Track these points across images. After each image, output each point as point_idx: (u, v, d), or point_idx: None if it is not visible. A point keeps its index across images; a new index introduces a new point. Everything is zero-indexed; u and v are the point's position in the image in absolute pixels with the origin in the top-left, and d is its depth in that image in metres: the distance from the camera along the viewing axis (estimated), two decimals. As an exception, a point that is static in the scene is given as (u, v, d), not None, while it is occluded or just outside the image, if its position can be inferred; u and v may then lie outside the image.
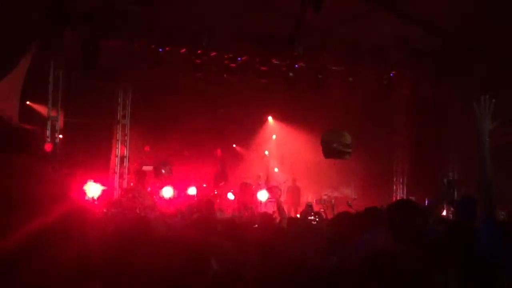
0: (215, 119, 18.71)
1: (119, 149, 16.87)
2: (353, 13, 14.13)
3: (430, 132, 17.65)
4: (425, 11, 13.89)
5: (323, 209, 15.20)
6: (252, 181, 16.89)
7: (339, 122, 17.02)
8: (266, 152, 21.78)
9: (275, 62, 16.67)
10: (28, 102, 15.48)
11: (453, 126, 16.95)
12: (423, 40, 15.81)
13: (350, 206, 13.24)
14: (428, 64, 16.92)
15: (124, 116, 17.10)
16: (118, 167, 16.69)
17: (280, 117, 21.31)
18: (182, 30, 15.33)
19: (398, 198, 18.87)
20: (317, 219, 9.95)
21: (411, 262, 3.60)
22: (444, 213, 12.07)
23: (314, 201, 16.88)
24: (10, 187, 1.03)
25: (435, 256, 3.69)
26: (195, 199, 16.17)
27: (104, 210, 10.98)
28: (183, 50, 15.88)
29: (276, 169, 20.94)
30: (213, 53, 16.05)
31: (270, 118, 21.86)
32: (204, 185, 17.93)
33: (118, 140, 16.84)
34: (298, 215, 15.66)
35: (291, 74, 16.67)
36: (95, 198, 13.57)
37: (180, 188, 17.11)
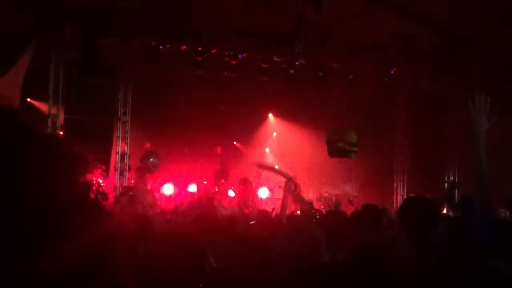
0: (215, 116, 18.70)
1: (119, 146, 16.85)
2: (353, 10, 14.11)
3: (430, 130, 17.63)
4: (425, 9, 13.88)
5: (324, 206, 15.21)
6: (251, 177, 16.90)
7: (340, 119, 17.02)
8: (267, 150, 21.80)
9: (276, 59, 16.69)
10: (28, 99, 15.48)
11: (454, 124, 16.92)
12: (424, 38, 15.80)
13: (351, 203, 13.25)
14: (429, 62, 16.91)
15: (124, 113, 17.08)
16: (119, 164, 16.68)
17: (281, 114, 21.29)
18: (183, 27, 15.34)
19: (398, 195, 18.88)
20: (317, 216, 9.93)
21: (411, 262, 3.61)
22: (444, 211, 12.06)
23: (315, 199, 16.89)
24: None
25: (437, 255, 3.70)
26: (196, 196, 16.18)
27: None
28: (184, 47, 15.90)
29: (276, 166, 20.92)
30: (214, 50, 16.07)
31: (270, 116, 21.85)
32: (205, 182, 17.94)
33: (118, 137, 16.83)
34: (298, 212, 15.67)
35: (291, 71, 16.69)
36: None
37: (180, 185, 17.13)
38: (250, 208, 14.36)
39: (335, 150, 13.39)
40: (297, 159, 20.03)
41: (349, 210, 9.71)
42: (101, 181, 14.52)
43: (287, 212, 7.26)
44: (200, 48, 15.71)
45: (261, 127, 21.74)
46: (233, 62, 16.12)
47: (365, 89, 17.35)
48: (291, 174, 18.97)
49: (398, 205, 18.18)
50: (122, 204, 12.09)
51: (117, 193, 15.20)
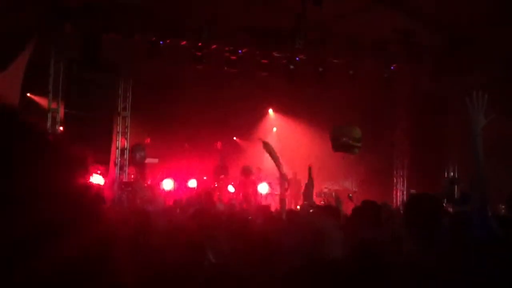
0: (215, 112, 18.70)
1: (119, 141, 16.86)
2: (354, 7, 14.10)
3: (430, 126, 17.64)
4: (425, 8, 13.87)
5: (323, 202, 15.21)
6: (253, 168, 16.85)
7: (340, 115, 17.02)
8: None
9: (276, 55, 16.67)
10: (28, 94, 15.48)
11: (454, 122, 16.93)
12: (424, 35, 15.80)
13: (351, 199, 13.24)
14: (429, 59, 16.91)
15: (124, 108, 17.09)
16: (119, 159, 16.68)
17: (281, 109, 21.31)
18: (183, 22, 15.33)
19: (398, 192, 18.90)
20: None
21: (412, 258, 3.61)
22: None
23: (314, 194, 16.88)
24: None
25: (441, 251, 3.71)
26: (195, 191, 16.18)
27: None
28: (184, 43, 15.89)
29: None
30: (214, 46, 16.05)
31: (270, 111, 21.86)
32: (205, 178, 17.95)
33: (118, 132, 16.83)
34: (298, 207, 15.69)
35: (291, 67, 16.68)
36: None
37: (180, 181, 17.13)
38: (251, 203, 14.37)
39: (339, 145, 13.40)
40: (297, 155, 20.02)
41: (348, 206, 9.71)
42: (101, 179, 14.51)
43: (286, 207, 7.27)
44: (200, 44, 15.70)
45: (261, 122, 21.75)
46: (233, 57, 16.10)
47: (365, 86, 17.35)
48: (291, 169, 19.05)
49: (398, 201, 18.23)
50: (121, 200, 12.11)
51: (117, 188, 15.21)
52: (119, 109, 16.90)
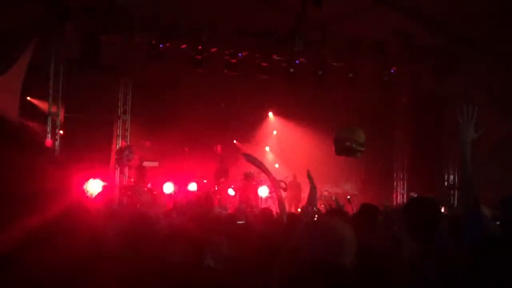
0: (215, 115, 18.71)
1: (119, 145, 16.85)
2: (353, 8, 14.10)
3: (430, 129, 17.64)
4: (425, 8, 13.87)
5: (324, 205, 15.19)
6: (253, 172, 16.84)
7: (340, 118, 17.01)
8: (267, 148, 21.79)
9: (276, 57, 16.68)
10: (28, 98, 15.48)
11: (454, 123, 16.94)
12: (424, 37, 15.79)
13: (349, 201, 13.23)
14: (429, 61, 16.91)
15: (124, 112, 17.09)
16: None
17: (281, 112, 21.30)
18: (183, 25, 15.33)
19: (398, 194, 18.89)
20: (316, 216, 9.90)
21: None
22: (442, 210, 12.09)
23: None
24: (8, 183, 1.02)
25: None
26: (196, 195, 16.17)
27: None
28: (184, 46, 15.88)
29: (276, 165, 20.93)
30: (214, 49, 16.05)
31: (270, 114, 21.86)
32: (205, 181, 17.93)
33: (118, 136, 16.83)
34: (299, 210, 15.65)
35: (291, 69, 16.67)
36: (95, 194, 13.58)
37: (180, 184, 17.11)
38: (253, 207, 14.38)
39: (342, 149, 13.37)
40: (297, 158, 20.02)
41: (347, 208, 9.71)
42: (100, 183, 14.51)
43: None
44: (200, 47, 15.70)
45: (261, 125, 21.75)
46: (233, 60, 16.10)
47: (365, 88, 17.35)
48: (291, 172, 19.01)
49: (398, 203, 18.21)
50: (122, 203, 12.10)
51: (117, 192, 15.22)
52: (119, 112, 16.90)
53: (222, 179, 17.77)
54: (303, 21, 14.40)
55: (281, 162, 21.08)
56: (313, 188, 5.91)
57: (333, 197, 16.84)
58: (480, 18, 13.56)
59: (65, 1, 14.25)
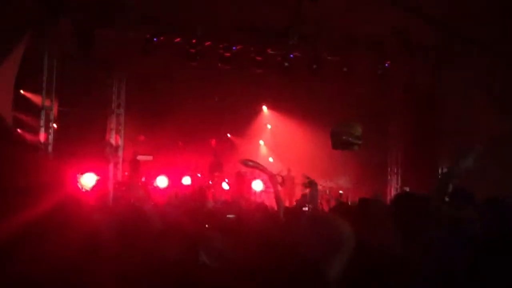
0: (209, 109, 18.69)
1: (113, 139, 16.80)
2: (349, 3, 14.07)
3: (425, 123, 17.66)
4: (421, 3, 13.85)
5: (319, 199, 15.21)
6: (246, 170, 16.87)
7: (334, 112, 17.05)
8: (261, 142, 21.80)
9: (270, 51, 16.64)
10: (22, 91, 15.41)
11: (448, 117, 16.96)
12: (419, 32, 15.78)
13: (341, 196, 13.26)
14: (424, 56, 16.91)
15: (118, 106, 17.03)
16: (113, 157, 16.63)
17: (275, 106, 21.31)
18: (177, 19, 15.28)
19: (392, 188, 18.91)
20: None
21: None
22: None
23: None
24: (1, 177, 1.02)
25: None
26: (190, 189, 16.19)
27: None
28: (178, 39, 15.83)
29: (270, 159, 20.95)
30: (208, 43, 16.00)
31: (264, 108, 21.86)
32: (199, 175, 17.94)
33: (112, 130, 16.77)
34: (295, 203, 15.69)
35: (286, 64, 16.64)
36: (89, 188, 13.57)
37: (174, 178, 17.12)
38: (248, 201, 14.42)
39: (339, 143, 13.43)
40: (290, 152, 20.06)
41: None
42: (94, 177, 14.49)
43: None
44: (194, 41, 15.66)
45: (255, 119, 21.75)
46: (227, 54, 16.06)
47: (360, 83, 17.35)
48: (285, 166, 19.05)
49: (392, 197, 18.24)
50: (116, 199, 12.12)
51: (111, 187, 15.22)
52: (113, 106, 16.84)
53: (216, 173, 17.78)
54: (298, 15, 14.36)
55: (275, 156, 21.10)
56: (314, 188, 5.91)
57: (327, 191, 16.94)
58: (478, 14, 13.55)
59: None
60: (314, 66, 16.75)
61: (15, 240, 0.98)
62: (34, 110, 14.63)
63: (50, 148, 14.07)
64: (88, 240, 1.14)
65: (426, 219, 3.92)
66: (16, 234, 0.98)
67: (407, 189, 16.02)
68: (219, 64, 16.15)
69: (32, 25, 13.58)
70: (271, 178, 5.87)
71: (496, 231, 3.90)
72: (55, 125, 14.72)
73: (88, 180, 14.32)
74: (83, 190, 12.87)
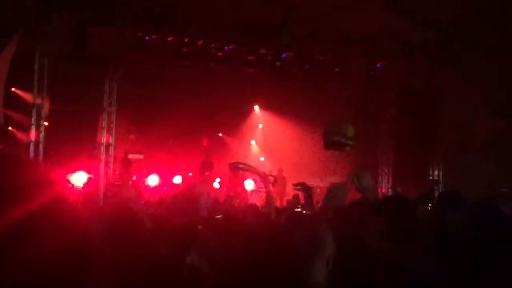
0: (201, 108, 18.66)
1: (104, 137, 16.75)
2: (342, 2, 14.08)
3: (415, 124, 17.72)
4: (415, 3, 13.88)
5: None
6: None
7: (326, 112, 17.06)
8: (253, 142, 21.81)
9: (262, 51, 16.63)
10: (13, 89, 15.35)
11: (439, 118, 17.03)
12: (412, 32, 15.81)
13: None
14: (416, 56, 16.94)
15: (110, 104, 16.97)
16: (104, 155, 16.57)
17: (267, 106, 21.32)
18: (170, 18, 15.25)
19: (383, 188, 18.96)
20: (303, 212, 9.93)
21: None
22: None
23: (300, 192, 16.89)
24: None
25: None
26: (181, 188, 16.18)
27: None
28: (170, 38, 15.80)
29: (262, 158, 20.97)
30: (200, 42, 15.98)
31: (256, 108, 21.86)
32: (190, 174, 17.92)
33: (103, 128, 16.72)
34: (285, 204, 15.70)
35: (278, 63, 16.64)
36: (80, 187, 13.55)
37: (165, 177, 17.10)
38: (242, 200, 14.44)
39: (330, 143, 13.42)
40: (282, 151, 20.08)
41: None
42: (85, 175, 14.48)
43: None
44: (186, 40, 15.63)
45: (247, 119, 21.76)
46: (219, 53, 16.05)
47: (351, 83, 17.38)
48: (276, 166, 19.04)
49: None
50: (107, 197, 12.10)
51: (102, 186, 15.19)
52: (104, 105, 16.80)
53: (207, 173, 17.77)
54: (291, 14, 14.36)
55: (267, 156, 21.12)
56: (309, 193, 5.91)
57: (318, 191, 16.95)
58: (471, 14, 13.59)
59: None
60: (307, 66, 16.76)
61: (4, 240, 0.98)
62: (25, 108, 14.57)
63: (41, 146, 13.98)
64: (79, 241, 1.14)
65: (413, 222, 3.95)
66: (3, 234, 0.98)
67: (400, 189, 16.10)
68: (212, 64, 16.13)
69: (24, 22, 13.53)
70: (263, 178, 5.89)
71: (485, 232, 3.93)
72: (46, 123, 14.66)
73: (79, 178, 14.30)
74: (74, 188, 12.85)
